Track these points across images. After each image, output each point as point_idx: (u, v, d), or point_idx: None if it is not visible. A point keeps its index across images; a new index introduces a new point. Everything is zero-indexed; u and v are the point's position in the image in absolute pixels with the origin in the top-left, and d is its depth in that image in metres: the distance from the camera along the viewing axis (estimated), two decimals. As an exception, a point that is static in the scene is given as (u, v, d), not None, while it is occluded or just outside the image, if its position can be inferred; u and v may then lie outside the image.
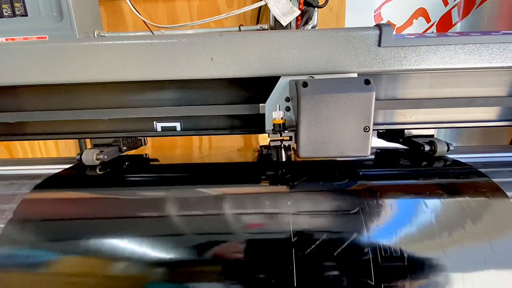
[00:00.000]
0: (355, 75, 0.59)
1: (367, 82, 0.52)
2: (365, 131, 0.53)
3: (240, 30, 1.27)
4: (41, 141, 1.66)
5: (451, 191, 0.54)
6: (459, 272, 0.46)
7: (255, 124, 0.69)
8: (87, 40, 0.60)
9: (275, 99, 0.61)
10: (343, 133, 0.53)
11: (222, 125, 0.70)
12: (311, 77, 0.59)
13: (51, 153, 1.67)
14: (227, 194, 0.55)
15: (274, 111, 0.59)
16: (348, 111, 0.52)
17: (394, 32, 0.65)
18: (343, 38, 0.57)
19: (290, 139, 0.56)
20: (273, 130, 0.59)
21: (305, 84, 0.52)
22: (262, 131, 0.64)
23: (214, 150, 1.64)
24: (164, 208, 0.53)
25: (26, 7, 1.07)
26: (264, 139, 0.57)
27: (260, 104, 0.64)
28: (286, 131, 0.57)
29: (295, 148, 0.57)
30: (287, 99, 0.61)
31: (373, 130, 0.64)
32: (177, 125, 0.69)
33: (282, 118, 0.59)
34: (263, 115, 0.63)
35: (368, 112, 0.52)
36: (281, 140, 0.57)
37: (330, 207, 0.52)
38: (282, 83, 0.60)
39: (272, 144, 0.57)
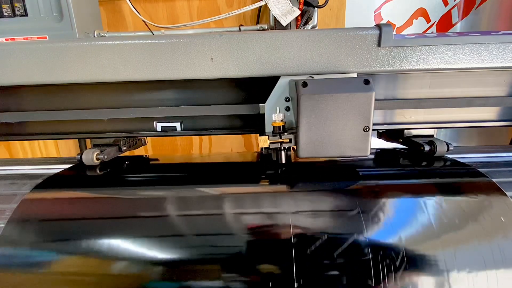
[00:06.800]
0: (355, 75, 0.59)
1: (366, 82, 0.51)
2: (364, 131, 0.53)
3: (240, 30, 1.27)
4: (41, 141, 1.66)
5: (451, 191, 0.54)
6: (459, 272, 0.46)
7: (256, 124, 0.69)
8: (87, 40, 0.60)
9: (274, 100, 0.61)
10: (343, 133, 0.53)
11: (222, 125, 0.70)
12: (311, 77, 0.59)
13: (51, 153, 1.67)
14: (227, 194, 0.55)
15: (274, 112, 0.59)
16: (348, 111, 0.52)
17: (394, 32, 0.65)
18: (343, 38, 0.57)
19: (290, 141, 0.56)
20: (272, 132, 0.59)
21: (304, 84, 0.52)
22: (263, 131, 0.64)
23: (214, 151, 1.64)
24: (164, 208, 0.53)
25: (26, 7, 1.07)
26: (264, 142, 0.57)
27: (260, 104, 0.64)
28: (286, 133, 0.57)
29: (295, 148, 0.57)
30: (287, 99, 0.61)
31: (373, 130, 0.64)
32: (177, 125, 0.69)
33: (282, 120, 0.58)
34: (264, 115, 0.63)
35: (367, 112, 0.52)
36: (281, 143, 0.57)
37: (330, 207, 0.52)
38: (282, 83, 0.60)
39: (272, 146, 0.57)
